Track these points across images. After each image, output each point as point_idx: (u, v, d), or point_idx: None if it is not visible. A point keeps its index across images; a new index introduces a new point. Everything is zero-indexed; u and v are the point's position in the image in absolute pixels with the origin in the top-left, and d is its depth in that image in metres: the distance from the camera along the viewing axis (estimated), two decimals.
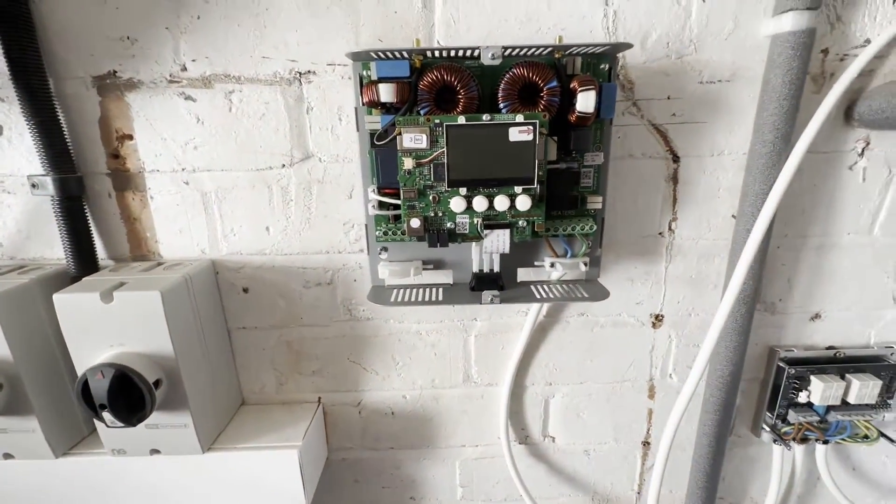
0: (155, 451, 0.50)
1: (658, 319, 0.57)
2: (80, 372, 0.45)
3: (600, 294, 0.45)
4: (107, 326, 0.44)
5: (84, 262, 0.50)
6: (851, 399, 0.56)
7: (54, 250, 0.52)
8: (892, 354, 0.57)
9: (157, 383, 0.45)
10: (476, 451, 0.63)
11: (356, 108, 0.43)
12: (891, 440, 0.58)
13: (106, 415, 0.43)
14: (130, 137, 0.48)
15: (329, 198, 0.51)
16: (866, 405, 0.57)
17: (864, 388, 0.55)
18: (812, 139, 0.45)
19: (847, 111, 0.49)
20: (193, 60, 0.46)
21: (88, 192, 0.50)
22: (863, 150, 0.50)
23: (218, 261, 0.53)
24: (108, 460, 0.50)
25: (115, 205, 0.51)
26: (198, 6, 0.44)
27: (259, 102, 0.47)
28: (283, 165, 0.49)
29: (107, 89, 0.47)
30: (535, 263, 0.49)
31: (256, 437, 0.53)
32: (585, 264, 0.47)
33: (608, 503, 0.66)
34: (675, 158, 0.50)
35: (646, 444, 0.63)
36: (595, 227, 0.45)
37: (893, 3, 0.46)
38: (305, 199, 0.51)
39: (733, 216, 0.52)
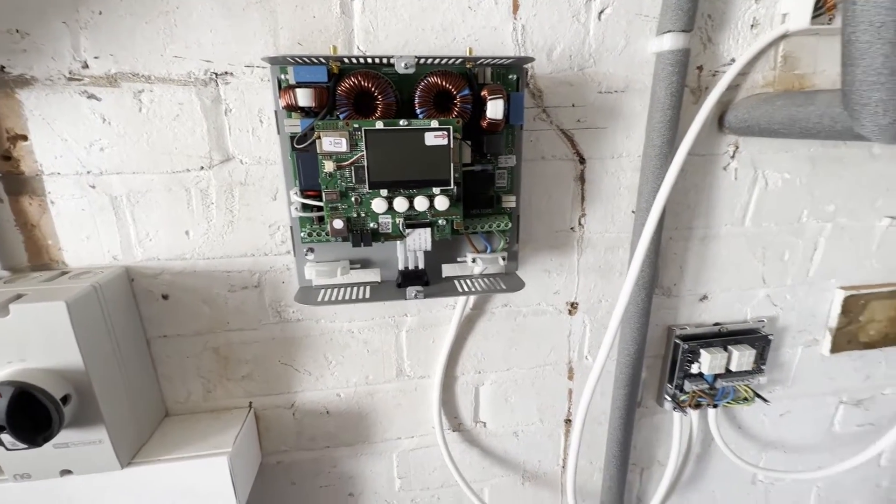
0: (66, 472, 0.47)
1: (573, 307, 0.62)
2: None
3: (517, 285, 0.49)
4: (4, 342, 0.41)
5: None
6: (733, 367, 0.65)
7: None
8: (763, 327, 0.67)
9: (65, 399, 0.42)
10: (412, 443, 0.65)
11: (276, 112, 0.44)
12: (764, 399, 0.68)
13: (5, 436, 0.40)
14: (24, 138, 0.45)
15: (252, 200, 0.50)
16: (745, 371, 0.66)
17: (742, 357, 0.64)
18: (691, 144, 0.51)
19: (720, 120, 0.57)
20: (96, 57, 0.44)
21: None
22: (734, 154, 0.59)
23: (132, 267, 0.51)
24: (9, 487, 0.47)
25: (8, 210, 0.47)
26: (98, 0, 0.42)
27: (172, 103, 0.46)
28: (202, 168, 0.48)
29: None
30: (458, 259, 0.52)
31: (182, 447, 0.52)
32: (504, 259, 0.51)
33: (537, 479, 0.71)
34: (582, 160, 0.56)
35: (568, 421, 0.69)
36: (510, 225, 0.49)
37: (751, 27, 0.54)
38: (227, 201, 0.50)
39: (633, 211, 0.59)
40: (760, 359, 0.66)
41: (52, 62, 0.43)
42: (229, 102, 0.47)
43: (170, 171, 0.48)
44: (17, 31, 0.42)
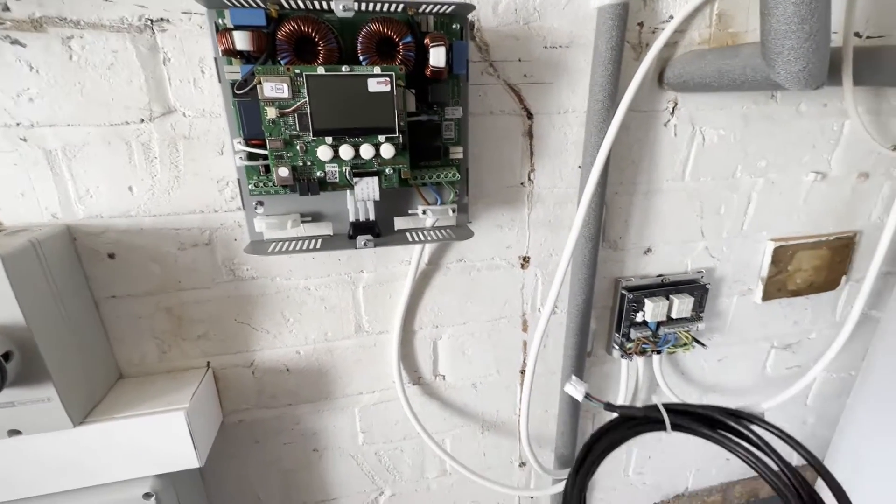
0: (14, 432, 0.46)
1: (525, 261, 0.65)
2: None
3: (465, 234, 0.51)
4: None
5: None
6: (674, 314, 0.69)
7: None
8: (701, 278, 0.72)
9: (6, 356, 0.42)
10: (373, 397, 0.67)
11: (216, 58, 0.43)
12: (703, 344, 0.73)
13: None
14: None
15: (198, 155, 0.50)
16: (685, 319, 0.71)
17: (682, 305, 0.68)
18: (632, 99, 0.53)
19: (660, 76, 0.59)
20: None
21: None
22: (673, 110, 0.62)
23: (74, 225, 0.49)
24: None
25: None
26: None
27: (106, 51, 0.44)
28: (142, 120, 0.47)
29: None
30: (410, 212, 0.53)
31: (138, 405, 0.52)
32: (454, 210, 0.52)
33: (496, 428, 0.75)
34: (530, 115, 0.57)
35: (523, 372, 0.72)
36: (459, 176, 0.50)
37: None
38: (172, 156, 0.49)
39: (579, 167, 0.61)
40: (699, 307, 0.71)
41: None
42: (167, 51, 0.46)
43: (107, 124, 0.46)
44: None
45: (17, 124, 0.45)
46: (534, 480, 0.82)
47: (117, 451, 0.50)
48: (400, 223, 0.53)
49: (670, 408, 0.33)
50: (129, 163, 0.48)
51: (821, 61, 0.41)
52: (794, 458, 0.31)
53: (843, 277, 0.79)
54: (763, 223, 0.72)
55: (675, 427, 0.32)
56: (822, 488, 0.29)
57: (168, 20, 0.45)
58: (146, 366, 0.57)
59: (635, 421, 0.32)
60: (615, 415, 0.74)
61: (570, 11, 0.54)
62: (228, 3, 0.39)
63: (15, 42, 0.42)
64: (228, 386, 0.61)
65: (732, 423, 0.31)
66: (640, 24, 0.56)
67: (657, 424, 0.32)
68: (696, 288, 0.71)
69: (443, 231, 0.52)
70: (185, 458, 0.52)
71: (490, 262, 0.63)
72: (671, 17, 0.56)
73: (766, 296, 0.76)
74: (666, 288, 0.70)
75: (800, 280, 0.77)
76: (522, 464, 0.80)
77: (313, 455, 0.68)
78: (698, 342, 0.73)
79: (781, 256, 0.74)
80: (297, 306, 0.59)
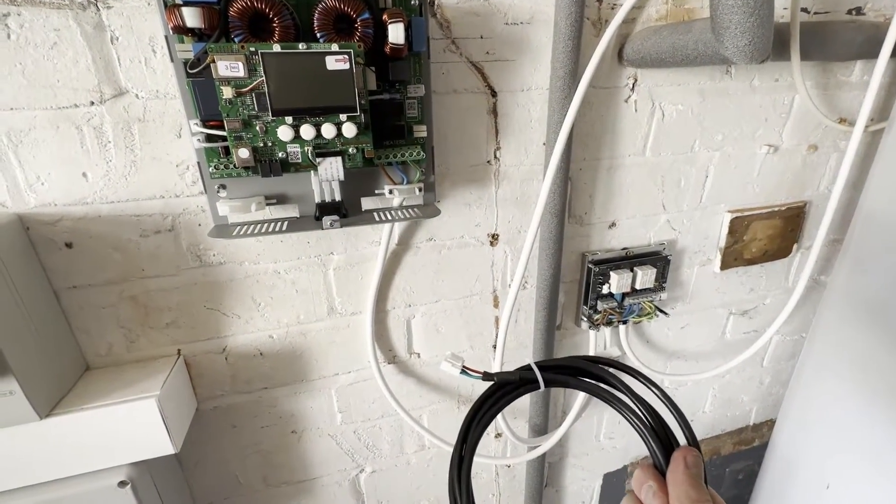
0: None
1: (494, 238, 0.66)
2: None
3: (432, 213, 0.52)
4: None
5: None
6: (638, 286, 0.72)
7: None
8: (663, 249, 0.75)
9: None
10: (349, 378, 0.68)
11: (167, 37, 0.42)
12: (665, 313, 0.77)
13: None
14: None
15: (154, 138, 0.48)
16: (648, 289, 0.74)
17: (644, 276, 0.71)
18: (592, 76, 0.54)
19: (619, 53, 0.61)
20: None
21: None
22: (633, 86, 0.63)
23: (26, 214, 0.47)
24: None
25: None
26: None
27: (47, 29, 0.42)
28: (92, 103, 0.45)
29: None
30: (377, 192, 0.53)
31: (107, 395, 0.51)
32: (420, 189, 0.53)
33: (471, 401, 0.77)
34: (494, 93, 0.58)
35: (495, 347, 0.74)
36: (424, 155, 0.50)
37: None
38: (126, 140, 0.48)
39: (544, 143, 0.62)
40: (662, 277, 0.75)
41: None
42: (114, 29, 0.44)
43: (55, 107, 0.45)
44: None
45: None
46: (509, 449, 0.85)
47: (88, 442, 0.50)
48: (367, 203, 0.53)
49: (541, 365, 0.36)
50: (81, 148, 0.47)
51: (765, 35, 0.43)
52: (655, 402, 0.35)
53: (795, 246, 0.83)
54: (720, 195, 0.75)
55: (548, 383, 0.35)
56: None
57: None
58: (114, 356, 0.56)
59: (513, 384, 0.34)
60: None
61: None
62: None
63: None
64: (201, 373, 0.60)
65: (593, 369, 0.34)
66: (600, 1, 0.57)
67: (533, 384, 0.35)
68: (659, 259, 0.74)
69: (410, 210, 0.53)
70: (160, 445, 0.52)
71: (460, 240, 0.64)
72: None
73: (724, 265, 0.80)
74: (630, 260, 0.73)
75: (755, 249, 0.81)
76: (498, 435, 0.82)
77: (292, 437, 0.69)
78: (661, 311, 0.76)
79: (738, 227, 0.78)
80: (268, 290, 0.59)
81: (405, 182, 0.53)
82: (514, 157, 0.62)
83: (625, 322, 0.76)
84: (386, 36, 0.43)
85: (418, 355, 0.70)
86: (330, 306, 0.62)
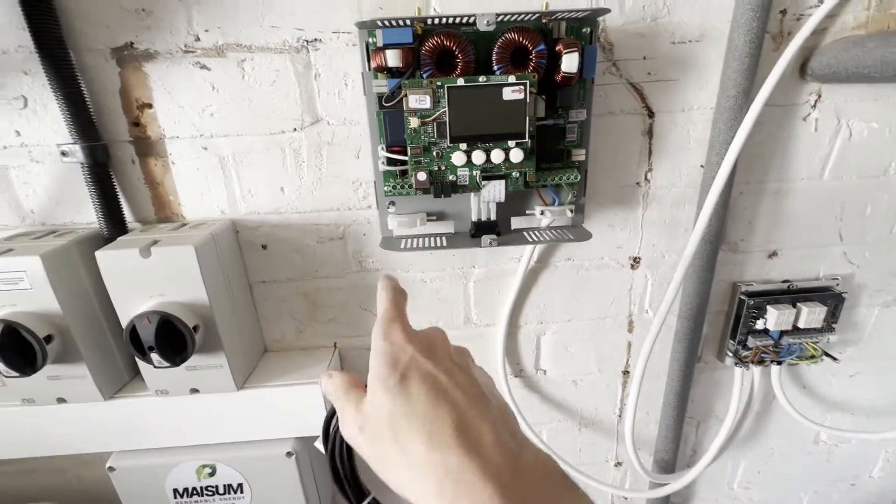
0: (194, 391, 0.56)
1: (636, 261, 0.64)
2: (124, 322, 0.50)
3: (584, 236, 0.52)
4: (146, 279, 0.49)
5: (114, 224, 0.54)
6: (801, 324, 0.64)
7: (83, 215, 0.56)
8: (836, 285, 0.65)
9: (195, 328, 0.51)
10: None
11: (363, 73, 0.48)
12: (833, 358, 0.67)
13: (154, 356, 0.49)
14: (150, 106, 0.52)
15: (338, 159, 0.55)
16: (814, 329, 0.65)
17: (811, 314, 0.63)
18: (769, 94, 0.50)
19: (802, 67, 0.55)
20: (206, 31, 0.49)
21: (113, 160, 0.54)
22: (815, 103, 0.56)
23: (237, 220, 0.58)
24: (152, 401, 0.57)
25: (138, 170, 0.55)
26: None
27: (270, 70, 0.51)
28: (295, 129, 0.54)
29: (125, 60, 0.50)
30: (527, 212, 0.54)
31: (283, 376, 0.60)
32: (571, 211, 0.53)
33: (593, 426, 0.75)
34: (651, 114, 0.56)
35: (626, 373, 0.72)
36: (579, 178, 0.51)
37: None
38: (316, 160, 0.55)
39: (701, 166, 0.58)
40: (832, 317, 0.65)
41: (170, 36, 0.49)
42: (318, 67, 0.51)
43: (268, 133, 0.54)
44: (143, 9, 0.48)
45: (201, 135, 0.53)
46: (629, 481, 0.81)
47: (267, 414, 0.59)
48: (517, 223, 0.55)
49: None
50: (282, 166, 0.55)
51: None
52: None
53: None
54: None
55: None
56: None
57: (321, 40, 0.50)
58: (285, 342, 0.65)
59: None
60: (722, 424, 0.71)
61: (703, 4, 0.51)
62: (379, 24, 0.43)
63: (203, 67, 0.50)
64: (351, 366, 0.68)
65: None
66: (783, 12, 0.52)
67: None
68: (830, 296, 0.65)
69: (561, 231, 0.53)
70: (319, 425, 0.60)
71: (599, 261, 0.63)
72: (820, 1, 0.52)
73: None
74: (793, 295, 0.65)
75: None
76: (618, 464, 0.79)
77: None
78: (829, 356, 0.67)
79: None
80: (414, 297, 0.64)
81: (556, 203, 0.53)
82: (666, 179, 0.59)
83: (780, 363, 0.68)
84: (557, 65, 0.44)
85: (544, 372, 0.71)
86: (466, 316, 0.65)
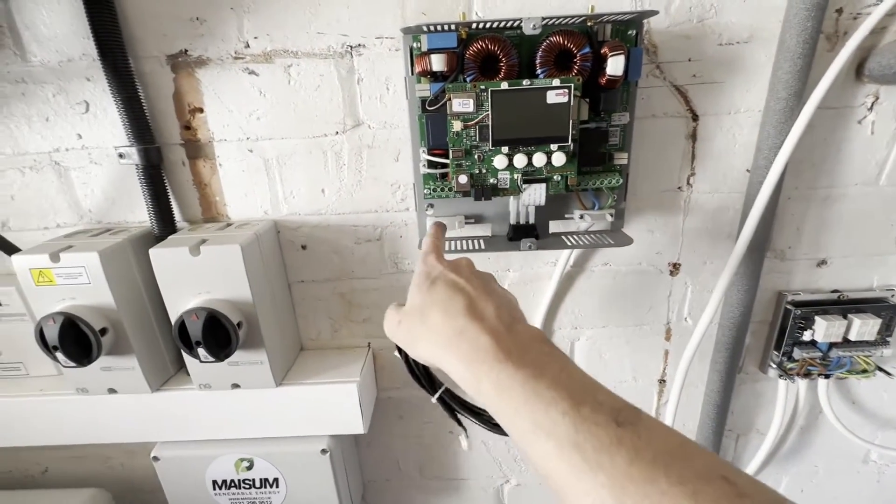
0: (235, 386, 0.58)
1: (675, 267, 0.62)
2: (173, 317, 0.52)
3: (624, 241, 0.51)
4: (195, 276, 0.51)
5: (165, 223, 0.56)
6: (852, 336, 0.61)
7: (135, 214, 0.59)
8: (892, 296, 0.62)
9: (239, 325, 0.52)
10: None
11: (405, 78, 0.48)
12: (888, 373, 0.64)
13: (200, 351, 0.51)
14: (201, 110, 0.54)
15: (377, 161, 0.56)
16: (866, 342, 0.62)
17: (864, 326, 0.60)
18: (823, 96, 0.48)
19: (858, 68, 0.52)
20: (255, 38, 0.51)
21: (165, 161, 0.56)
22: (872, 105, 0.54)
23: (279, 221, 0.59)
24: (195, 394, 0.59)
25: (188, 172, 0.57)
26: None
27: (315, 75, 0.52)
28: (337, 132, 0.55)
29: (179, 67, 0.52)
30: (566, 216, 0.54)
31: (319, 374, 0.61)
32: (612, 215, 0.52)
33: None
34: (695, 117, 0.55)
35: (662, 381, 0.70)
36: (621, 182, 0.50)
37: None
38: (357, 163, 0.56)
39: (748, 170, 0.57)
40: (886, 330, 0.62)
41: (221, 44, 0.51)
42: (361, 72, 0.52)
43: (311, 136, 0.55)
44: (198, 18, 0.50)
45: (247, 138, 0.55)
46: None
47: (304, 411, 0.60)
48: (554, 226, 0.55)
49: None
50: (323, 169, 0.57)
51: None
52: None
53: None
54: None
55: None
56: None
57: (364, 45, 0.51)
58: (321, 341, 0.67)
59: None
60: (764, 438, 0.68)
61: (753, 4, 0.50)
62: (424, 29, 0.44)
63: (252, 72, 0.52)
64: (384, 366, 0.68)
65: None
66: (839, 11, 0.50)
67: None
68: (885, 308, 0.61)
69: (600, 236, 0.53)
70: (354, 424, 0.61)
71: (637, 266, 0.62)
72: None
73: None
74: (843, 305, 0.62)
75: None
76: None
77: (449, 436, 0.74)
78: (883, 371, 0.64)
79: None
80: None
81: (596, 207, 0.53)
82: (709, 185, 0.58)
83: (828, 376, 0.65)
84: (602, 68, 0.44)
85: None
86: None
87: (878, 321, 0.60)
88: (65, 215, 0.59)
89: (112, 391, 0.58)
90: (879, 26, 0.50)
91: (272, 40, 0.51)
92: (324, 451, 0.61)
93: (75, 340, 0.51)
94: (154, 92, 0.53)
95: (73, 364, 0.51)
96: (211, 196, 0.58)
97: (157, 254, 0.51)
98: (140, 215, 0.58)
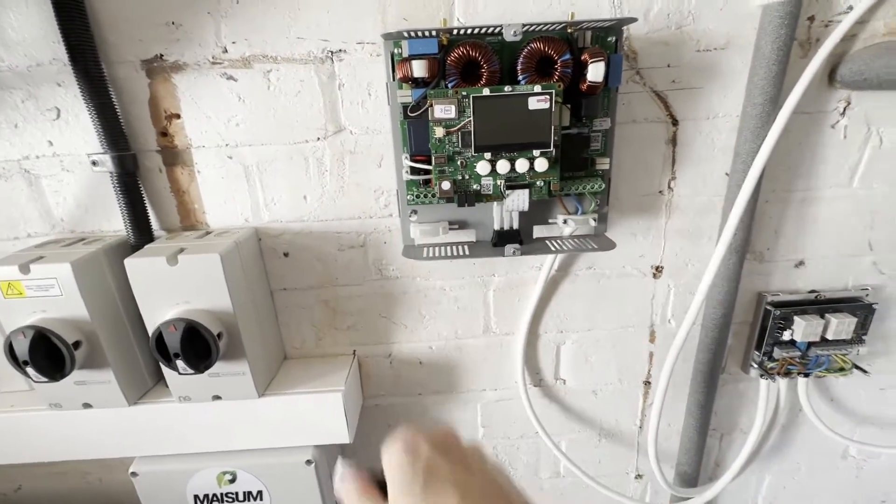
0: (217, 397, 0.57)
1: (658, 270, 0.63)
2: (150, 328, 0.51)
3: (607, 245, 0.51)
4: (173, 286, 0.50)
5: (141, 232, 0.55)
6: (830, 335, 0.62)
7: (111, 223, 0.57)
8: (867, 296, 0.64)
9: (219, 335, 0.51)
10: (496, 395, 0.70)
11: (387, 84, 0.48)
12: (864, 371, 0.65)
13: (179, 362, 0.49)
14: (178, 116, 0.53)
15: (360, 167, 0.56)
16: (843, 340, 0.64)
17: (840, 325, 0.62)
18: (797, 101, 0.50)
19: (830, 74, 0.54)
20: (234, 42, 0.50)
21: (141, 169, 0.55)
22: (844, 110, 0.55)
23: (260, 228, 0.58)
24: (174, 407, 0.57)
25: (165, 179, 0.55)
26: None
27: (295, 80, 0.52)
28: (318, 138, 0.54)
29: (155, 72, 0.51)
30: (550, 221, 0.54)
31: (303, 383, 0.60)
32: (595, 220, 0.53)
33: (613, 437, 0.74)
34: (675, 122, 0.55)
35: (647, 383, 0.70)
36: (603, 186, 0.50)
37: None
38: (339, 169, 0.56)
39: (726, 174, 0.58)
40: (862, 328, 0.64)
41: (198, 49, 0.50)
42: (342, 77, 0.52)
43: (291, 143, 0.54)
44: (174, 23, 0.49)
45: (226, 145, 0.54)
46: (649, 494, 0.79)
47: (287, 421, 0.59)
48: (539, 231, 0.55)
49: None
50: (305, 175, 0.56)
51: None
52: None
53: None
54: None
55: None
56: None
57: (345, 51, 0.51)
58: (305, 350, 0.66)
59: None
60: (747, 437, 0.69)
61: (729, 11, 0.51)
62: (405, 35, 0.43)
63: (230, 78, 0.51)
64: (370, 373, 0.68)
65: None
66: (811, 19, 0.51)
67: None
68: (860, 307, 0.63)
69: (584, 241, 0.53)
70: (339, 433, 0.60)
71: (621, 270, 0.63)
72: (850, 7, 0.51)
73: None
74: (820, 305, 0.64)
75: None
76: (638, 476, 0.78)
77: None
78: (859, 368, 0.65)
79: None
80: (433, 305, 0.64)
81: (579, 212, 0.53)
82: (689, 188, 0.58)
83: (807, 375, 0.67)
84: (583, 74, 0.44)
85: (564, 381, 0.70)
86: (486, 325, 0.65)
87: (854, 320, 0.62)
88: (36, 225, 0.57)
89: (87, 406, 0.56)
90: (850, 33, 0.51)
91: (251, 45, 0.50)
92: (309, 462, 0.60)
93: (46, 354, 0.49)
94: (129, 98, 0.52)
95: (44, 379, 0.49)
96: (189, 204, 0.57)
97: (132, 264, 0.49)
98: (116, 224, 0.57)
